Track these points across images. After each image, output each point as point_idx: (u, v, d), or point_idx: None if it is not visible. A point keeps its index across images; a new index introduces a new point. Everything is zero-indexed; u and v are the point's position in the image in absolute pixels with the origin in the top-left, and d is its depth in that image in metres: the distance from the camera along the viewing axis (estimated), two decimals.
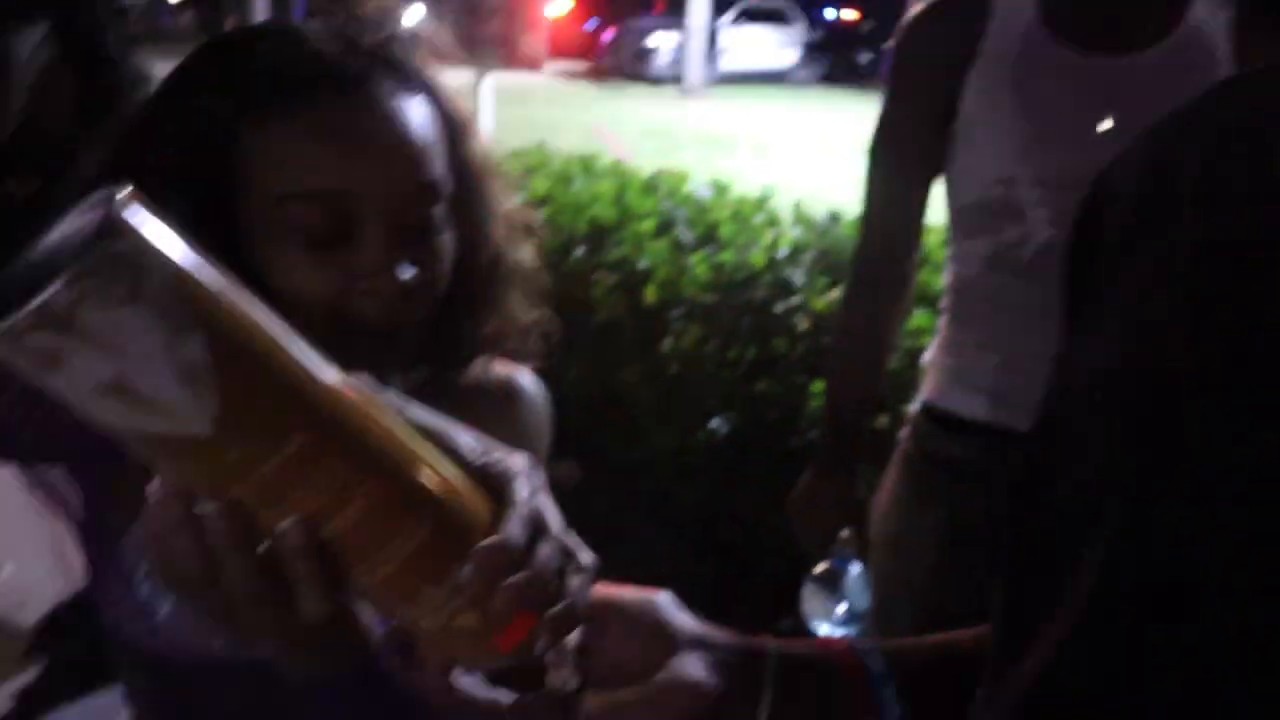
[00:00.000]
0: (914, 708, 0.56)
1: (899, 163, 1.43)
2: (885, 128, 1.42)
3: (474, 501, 0.47)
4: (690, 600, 0.60)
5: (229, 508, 0.41)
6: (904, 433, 1.51)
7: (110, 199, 0.38)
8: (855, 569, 1.51)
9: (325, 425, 0.42)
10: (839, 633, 1.53)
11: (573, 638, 0.51)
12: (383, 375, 0.82)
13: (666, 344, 2.81)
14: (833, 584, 1.52)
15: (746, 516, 2.57)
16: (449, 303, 0.80)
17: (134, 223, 0.38)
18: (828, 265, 2.67)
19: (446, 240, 0.77)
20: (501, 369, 0.92)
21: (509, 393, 0.92)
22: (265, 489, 0.41)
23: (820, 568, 1.53)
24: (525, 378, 0.93)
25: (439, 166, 0.75)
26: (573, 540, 0.52)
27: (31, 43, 1.54)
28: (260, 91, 0.71)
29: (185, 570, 0.42)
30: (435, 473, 0.46)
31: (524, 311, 0.88)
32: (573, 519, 0.52)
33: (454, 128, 0.78)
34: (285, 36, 0.75)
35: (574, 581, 0.50)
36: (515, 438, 0.83)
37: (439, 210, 0.75)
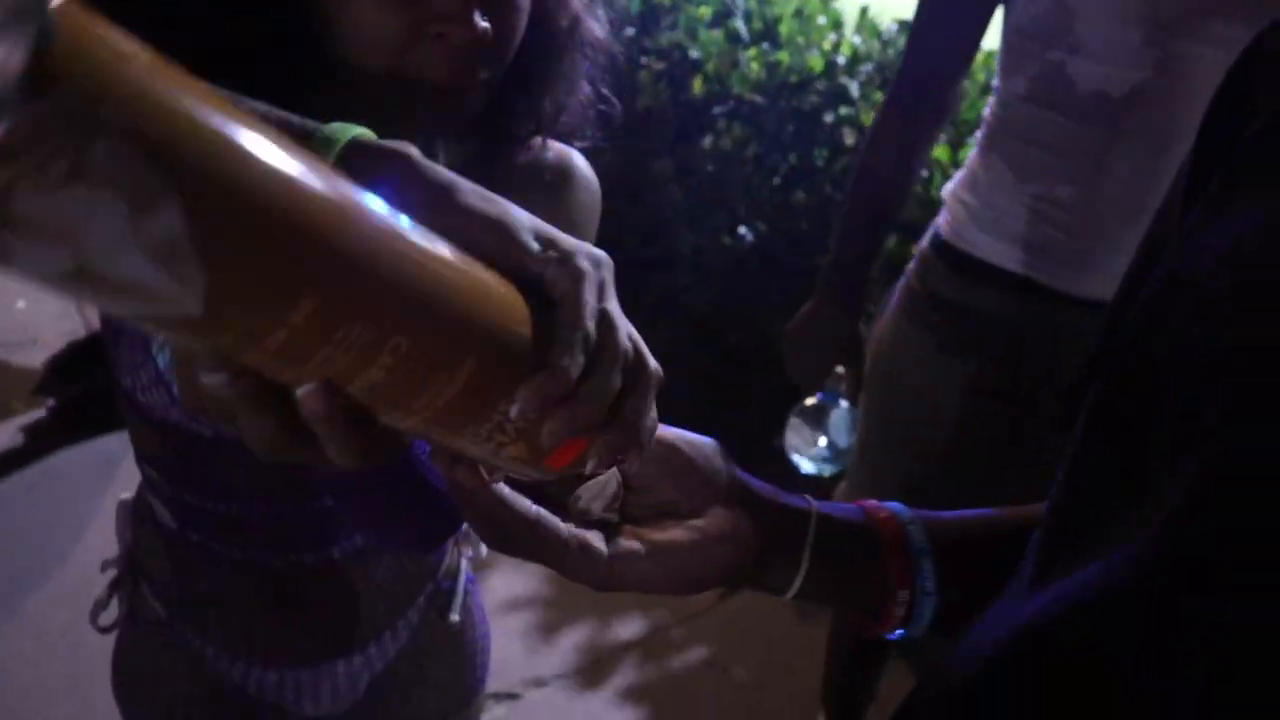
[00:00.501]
0: (948, 583, 0.55)
1: None
2: None
3: (521, 320, 0.41)
4: (691, 400, 0.57)
5: (238, 377, 0.36)
6: (910, 268, 1.46)
7: (31, 12, 0.27)
8: (843, 406, 1.50)
9: (341, 278, 0.35)
10: (816, 469, 1.54)
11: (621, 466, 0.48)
12: (435, 142, 0.78)
13: (706, 141, 2.72)
14: (818, 420, 1.51)
15: (760, 326, 2.56)
16: (517, 69, 0.74)
17: (69, 54, 0.28)
18: (886, 79, 2.54)
19: None
20: (555, 148, 0.86)
21: (564, 174, 0.86)
22: (278, 356, 0.35)
23: (809, 402, 1.52)
24: (579, 159, 0.88)
25: None
26: (640, 348, 0.45)
27: None
28: None
29: (209, 403, 0.38)
30: (476, 300, 0.39)
31: (591, 88, 0.83)
32: None
33: None
34: None
35: (633, 401, 0.44)
36: (567, 224, 0.79)
37: None
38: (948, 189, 1.42)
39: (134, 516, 0.94)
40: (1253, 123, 0.41)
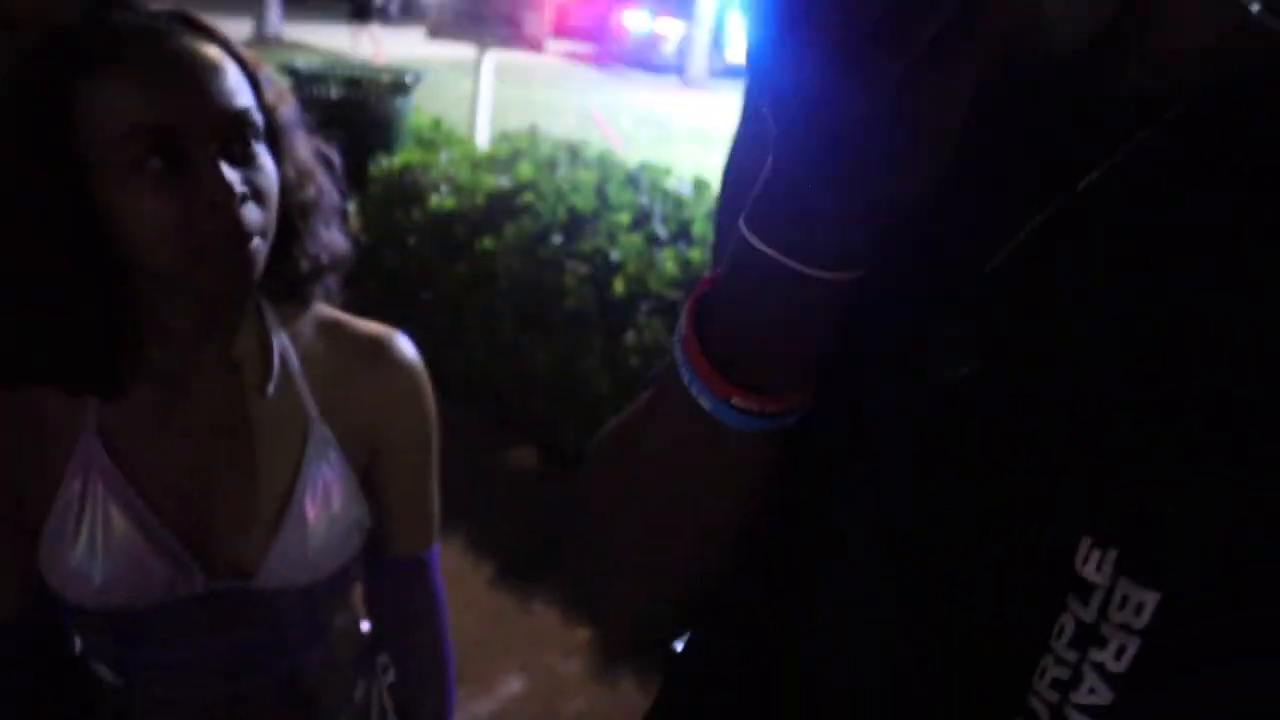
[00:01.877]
0: None
1: None
2: None
3: None
4: None
5: None
6: None
7: None
8: None
9: None
10: None
11: None
12: (241, 304, 0.91)
13: (630, 337, 2.89)
14: None
15: None
16: (281, 235, 0.89)
17: None
18: None
19: (270, 168, 0.86)
20: (377, 328, 1.02)
21: (380, 350, 1.01)
22: None
23: None
24: (400, 340, 1.03)
25: (246, 99, 0.85)
26: None
27: None
28: (88, 52, 0.81)
29: None
30: None
31: (340, 241, 0.99)
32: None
33: (252, 74, 0.88)
34: (100, 14, 0.84)
35: None
36: (382, 398, 0.96)
37: (258, 143, 0.85)
38: None
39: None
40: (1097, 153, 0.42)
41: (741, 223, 0.41)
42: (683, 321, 0.45)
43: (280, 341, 0.96)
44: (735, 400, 0.43)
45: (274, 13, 15.75)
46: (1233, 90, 0.40)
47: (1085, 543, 0.39)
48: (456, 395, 3.35)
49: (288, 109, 0.92)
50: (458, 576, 2.61)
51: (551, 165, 3.67)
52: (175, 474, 0.90)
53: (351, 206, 3.97)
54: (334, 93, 4.54)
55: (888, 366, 0.47)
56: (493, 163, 3.79)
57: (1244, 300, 0.37)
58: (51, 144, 0.80)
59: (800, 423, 0.46)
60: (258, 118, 0.86)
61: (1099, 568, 0.38)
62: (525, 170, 3.54)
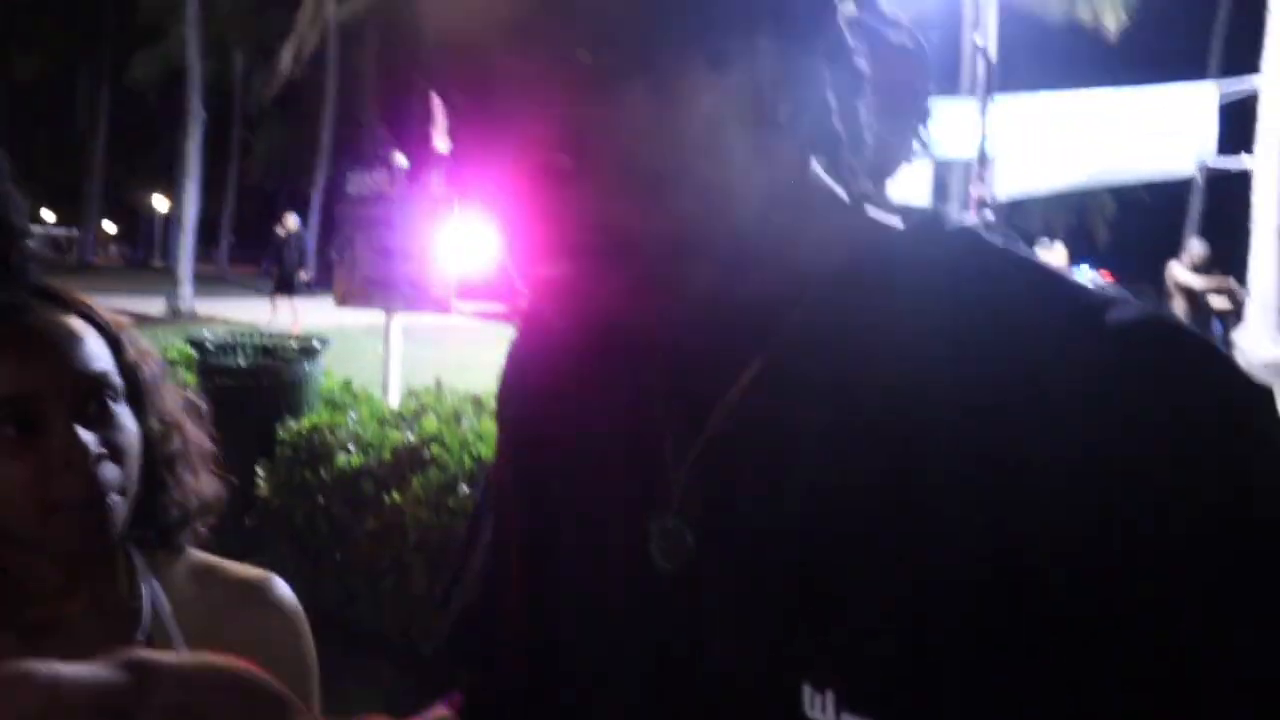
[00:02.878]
0: None
1: None
2: None
3: None
4: None
5: None
6: None
7: None
8: None
9: None
10: None
11: None
12: (109, 555, 0.94)
13: None
14: None
15: None
16: (148, 486, 0.94)
17: None
18: None
19: (129, 426, 0.92)
20: (254, 572, 1.04)
21: (257, 593, 1.02)
22: None
23: None
24: (278, 584, 1.04)
25: (103, 364, 0.92)
26: None
27: None
28: None
29: None
30: None
31: (211, 486, 1.03)
32: None
33: (113, 339, 0.96)
34: None
35: None
36: (260, 644, 0.99)
37: (117, 404, 0.92)
38: None
39: None
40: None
41: None
42: None
43: (150, 588, 0.97)
44: None
45: (187, 289, 16.17)
46: (848, 280, 0.51)
47: (806, 689, 0.46)
48: (375, 652, 3.28)
49: (151, 366, 0.99)
50: None
51: (457, 417, 3.79)
52: None
53: (260, 470, 4.01)
54: (243, 361, 4.65)
55: (601, 561, 0.56)
56: (399, 419, 3.90)
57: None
58: None
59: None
60: (115, 379, 0.93)
61: (824, 709, 0.46)
62: (430, 424, 3.65)
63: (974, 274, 0.49)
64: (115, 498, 0.89)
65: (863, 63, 0.54)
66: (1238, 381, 0.44)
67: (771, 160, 0.50)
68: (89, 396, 0.90)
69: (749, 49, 0.48)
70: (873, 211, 0.55)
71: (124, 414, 0.93)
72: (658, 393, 0.56)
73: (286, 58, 23.12)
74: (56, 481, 0.86)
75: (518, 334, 0.68)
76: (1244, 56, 12.18)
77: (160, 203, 43.61)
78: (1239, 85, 11.29)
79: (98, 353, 0.93)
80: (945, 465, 0.45)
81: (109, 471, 0.89)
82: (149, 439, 0.96)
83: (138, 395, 0.96)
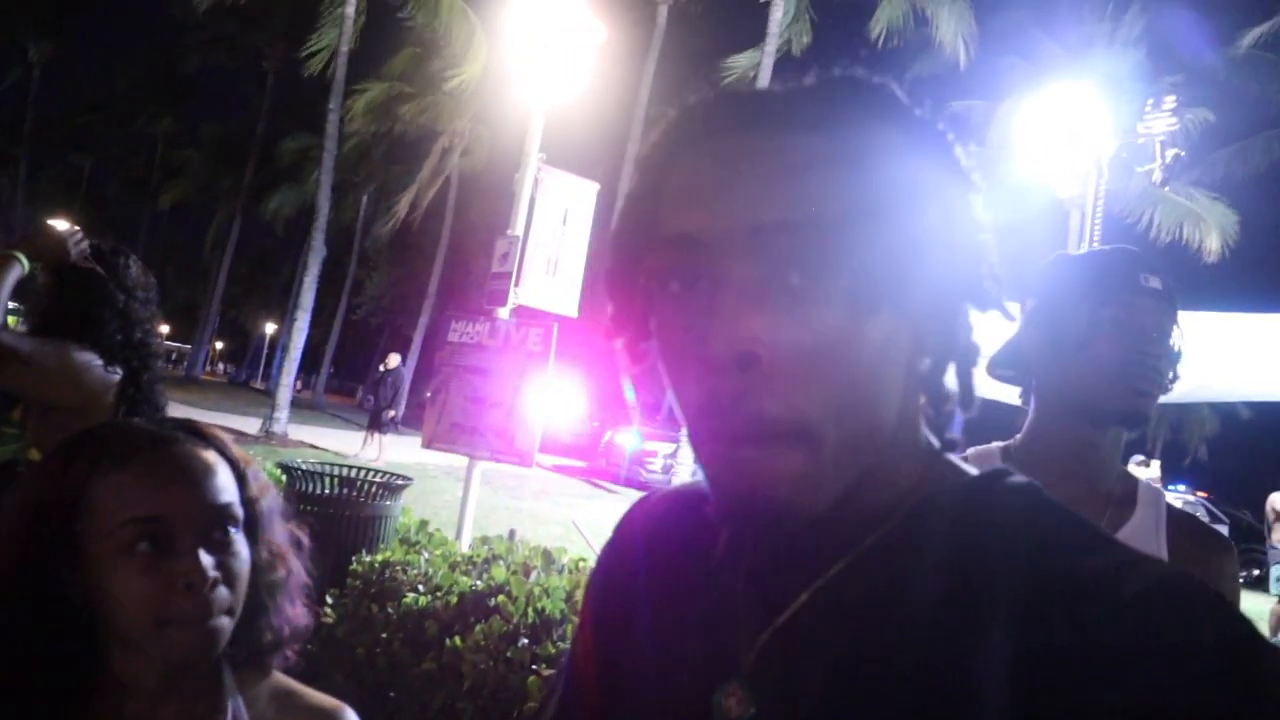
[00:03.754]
0: None
1: None
2: None
3: None
4: None
5: None
6: None
7: None
8: None
9: None
10: None
11: None
12: (203, 670, 1.05)
13: None
14: None
15: None
16: (249, 609, 1.04)
17: None
18: None
19: (244, 553, 1.03)
20: (325, 700, 1.12)
21: (326, 719, 1.11)
22: None
23: None
24: (349, 713, 1.12)
25: (230, 495, 1.04)
26: None
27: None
28: (103, 455, 1.01)
29: None
30: None
31: (304, 615, 1.13)
32: None
33: (240, 473, 1.07)
34: (122, 421, 1.06)
35: None
36: None
37: (236, 531, 1.02)
38: None
39: None
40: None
41: None
42: None
43: (235, 705, 1.06)
44: None
45: (283, 413, 16.73)
46: (925, 511, 0.60)
47: None
48: None
49: (269, 500, 1.11)
50: None
51: (526, 569, 3.83)
52: None
53: (329, 599, 4.10)
54: (328, 489, 4.81)
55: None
56: (469, 563, 3.96)
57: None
58: (58, 526, 0.98)
59: None
60: (238, 510, 1.04)
61: None
62: (499, 572, 3.70)
63: (1025, 526, 0.58)
64: (223, 619, 1.00)
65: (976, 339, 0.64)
66: (1242, 629, 0.51)
67: (905, 397, 0.60)
68: (214, 524, 1.02)
69: (928, 312, 0.59)
70: (950, 456, 0.64)
71: (240, 541, 1.04)
72: (735, 591, 0.65)
73: (405, 204, 24.44)
74: (177, 599, 0.97)
75: (617, 534, 0.80)
76: None
77: (269, 326, 45.60)
78: None
79: (226, 485, 1.05)
80: (984, 685, 0.52)
81: (221, 594, 0.99)
82: (257, 566, 1.06)
83: (253, 525, 1.07)
